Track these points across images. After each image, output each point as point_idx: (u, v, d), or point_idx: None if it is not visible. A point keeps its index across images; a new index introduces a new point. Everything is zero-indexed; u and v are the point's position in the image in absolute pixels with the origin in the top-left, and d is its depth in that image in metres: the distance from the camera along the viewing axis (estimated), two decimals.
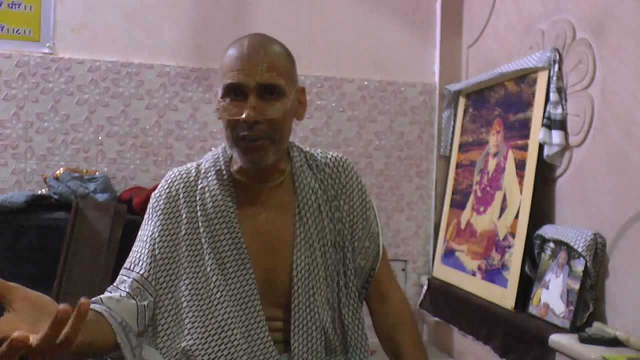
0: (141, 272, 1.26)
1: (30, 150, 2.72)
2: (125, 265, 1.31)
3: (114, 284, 1.27)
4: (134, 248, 1.34)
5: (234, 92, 1.21)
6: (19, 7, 2.73)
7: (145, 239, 1.33)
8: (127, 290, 1.23)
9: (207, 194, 1.30)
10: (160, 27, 2.87)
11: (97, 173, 2.69)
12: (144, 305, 1.23)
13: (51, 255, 2.30)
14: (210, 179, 1.31)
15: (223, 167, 1.32)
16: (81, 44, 2.79)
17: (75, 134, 2.76)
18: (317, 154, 1.40)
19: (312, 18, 2.99)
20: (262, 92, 1.20)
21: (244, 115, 1.18)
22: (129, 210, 2.41)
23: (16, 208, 2.37)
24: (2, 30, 2.72)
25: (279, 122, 1.22)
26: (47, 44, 2.76)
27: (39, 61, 2.73)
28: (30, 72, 2.72)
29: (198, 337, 1.25)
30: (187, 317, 1.27)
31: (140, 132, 2.82)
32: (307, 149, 1.41)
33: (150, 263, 1.28)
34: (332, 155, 1.40)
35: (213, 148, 2.87)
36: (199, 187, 1.32)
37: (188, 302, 1.28)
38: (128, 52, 2.83)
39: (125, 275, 1.27)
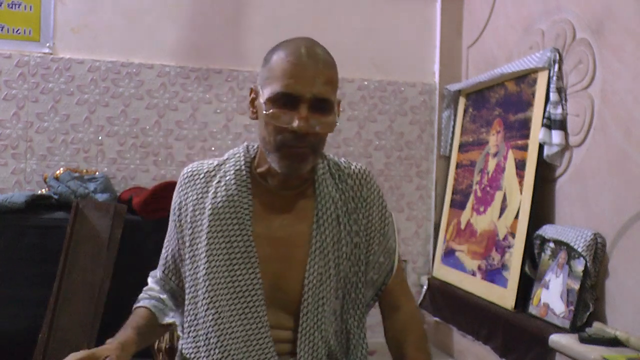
0: (172, 278, 1.38)
1: (30, 150, 2.72)
2: (159, 265, 1.41)
3: (153, 282, 1.41)
4: (164, 248, 1.41)
5: (285, 99, 1.17)
6: (19, 7, 2.73)
7: (166, 245, 1.39)
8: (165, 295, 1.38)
9: (223, 193, 1.28)
10: (160, 27, 2.86)
11: (97, 173, 2.68)
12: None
13: (51, 255, 2.30)
14: (228, 177, 1.29)
15: (243, 167, 1.30)
16: (81, 44, 2.79)
17: (75, 134, 2.76)
18: (341, 162, 1.37)
19: (312, 18, 2.99)
20: (314, 105, 1.17)
21: (295, 125, 1.15)
22: (129, 210, 2.41)
23: (16, 208, 2.36)
24: (2, 30, 2.72)
25: (324, 137, 1.22)
26: (47, 44, 2.76)
27: (39, 61, 2.73)
28: (30, 72, 2.72)
29: (197, 337, 1.26)
30: (190, 314, 1.29)
31: (140, 132, 2.82)
32: (331, 156, 1.38)
33: (175, 273, 1.37)
34: (355, 166, 1.37)
35: (213, 148, 2.88)
36: (215, 183, 1.30)
37: (189, 300, 1.29)
38: (128, 52, 2.83)
39: (159, 278, 1.40)
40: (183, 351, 1.30)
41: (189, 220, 1.30)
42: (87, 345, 2.19)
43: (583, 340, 1.78)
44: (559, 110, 2.16)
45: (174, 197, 1.36)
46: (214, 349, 1.22)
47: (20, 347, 2.26)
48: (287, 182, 1.29)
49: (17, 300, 2.31)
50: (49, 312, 2.22)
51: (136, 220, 2.43)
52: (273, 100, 1.18)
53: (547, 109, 2.18)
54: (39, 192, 2.58)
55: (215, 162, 1.34)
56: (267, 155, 1.24)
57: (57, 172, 2.59)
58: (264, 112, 1.18)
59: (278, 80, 1.17)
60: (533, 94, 2.30)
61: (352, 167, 1.37)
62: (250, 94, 1.28)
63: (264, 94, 1.20)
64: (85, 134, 2.77)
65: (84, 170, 2.68)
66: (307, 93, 1.16)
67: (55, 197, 2.51)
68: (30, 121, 2.72)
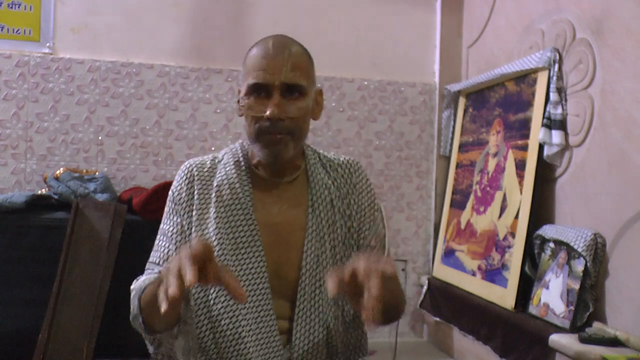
0: None
1: (30, 150, 2.72)
2: (153, 260, 1.34)
3: (143, 278, 1.32)
4: (158, 242, 1.37)
5: (258, 90, 1.26)
6: (19, 7, 2.73)
7: (170, 235, 1.35)
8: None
9: (225, 182, 1.33)
10: (160, 27, 2.87)
11: (97, 173, 2.68)
12: None
13: (51, 255, 2.30)
14: (228, 169, 1.35)
15: (241, 157, 1.37)
16: (81, 44, 2.80)
17: (75, 134, 2.76)
18: (331, 155, 1.45)
19: (312, 18, 2.99)
20: (285, 91, 1.25)
21: (267, 113, 1.23)
22: (129, 210, 2.41)
23: (16, 208, 2.37)
24: (2, 30, 2.72)
25: (299, 121, 1.27)
26: (47, 44, 2.76)
27: (39, 61, 2.73)
28: (30, 72, 2.72)
29: (208, 322, 1.27)
30: (199, 302, 1.29)
31: (140, 132, 2.82)
32: (320, 151, 1.45)
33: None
34: (344, 158, 1.44)
35: (213, 148, 2.88)
36: (217, 175, 1.35)
37: (196, 288, 1.29)
38: (128, 52, 2.83)
39: (153, 271, 1.32)
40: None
41: (194, 207, 1.32)
42: (87, 345, 2.19)
43: (583, 340, 1.78)
44: (559, 110, 2.16)
45: (175, 186, 1.37)
46: (224, 331, 1.24)
47: (20, 347, 2.26)
48: (277, 171, 1.34)
49: (17, 300, 2.31)
50: (49, 312, 2.22)
51: (136, 220, 2.43)
52: (248, 93, 1.27)
53: (547, 109, 2.18)
54: (39, 192, 2.58)
55: (210, 158, 1.40)
56: (253, 147, 1.32)
57: (57, 172, 2.59)
58: (241, 104, 1.30)
59: (250, 74, 1.27)
60: (533, 94, 2.30)
61: (342, 158, 1.44)
62: (238, 94, 1.37)
63: (242, 90, 1.30)
64: (85, 134, 2.77)
65: (84, 170, 2.68)
66: (275, 80, 1.24)
67: (55, 197, 2.51)
68: (30, 121, 2.72)
